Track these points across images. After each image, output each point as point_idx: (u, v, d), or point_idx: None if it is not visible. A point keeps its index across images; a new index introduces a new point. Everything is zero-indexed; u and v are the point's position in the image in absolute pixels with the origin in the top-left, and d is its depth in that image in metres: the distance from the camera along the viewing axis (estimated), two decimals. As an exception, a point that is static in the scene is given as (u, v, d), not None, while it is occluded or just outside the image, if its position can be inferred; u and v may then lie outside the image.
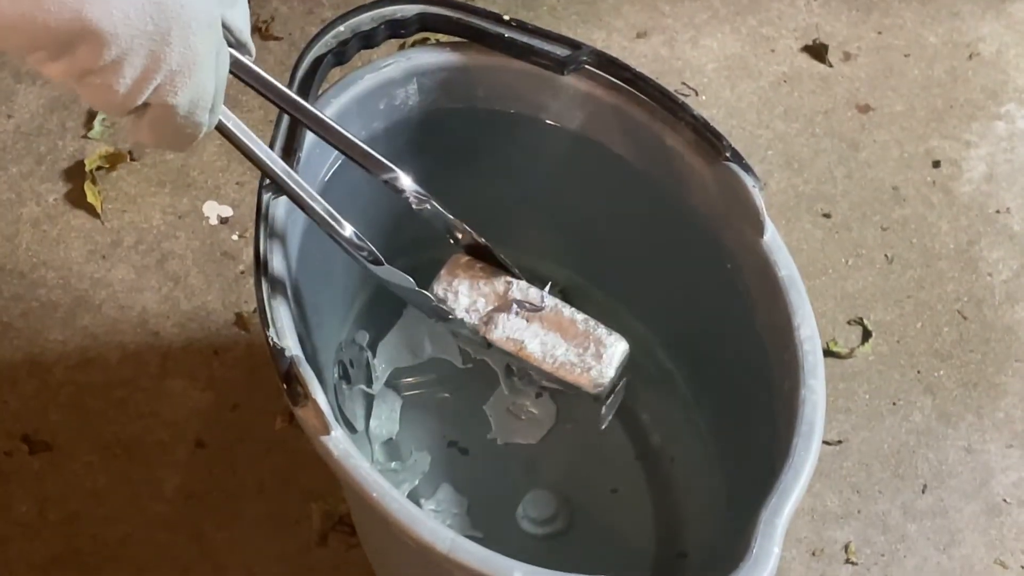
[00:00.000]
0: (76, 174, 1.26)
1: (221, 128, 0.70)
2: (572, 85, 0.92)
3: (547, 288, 0.88)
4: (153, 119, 0.62)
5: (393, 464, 1.03)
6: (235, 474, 1.11)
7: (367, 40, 0.90)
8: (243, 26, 0.68)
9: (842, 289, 1.26)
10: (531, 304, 0.87)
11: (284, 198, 0.81)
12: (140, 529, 1.08)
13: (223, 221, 1.25)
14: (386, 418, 1.05)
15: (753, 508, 0.77)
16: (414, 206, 0.84)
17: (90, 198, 1.24)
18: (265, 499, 1.10)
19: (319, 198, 0.78)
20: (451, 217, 0.86)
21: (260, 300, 0.78)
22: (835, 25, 1.46)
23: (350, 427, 1.02)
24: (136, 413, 1.14)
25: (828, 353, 1.20)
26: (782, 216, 1.29)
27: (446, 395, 1.07)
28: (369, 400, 1.04)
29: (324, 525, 1.08)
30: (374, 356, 1.05)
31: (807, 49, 1.43)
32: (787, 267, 0.85)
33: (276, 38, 1.38)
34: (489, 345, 0.88)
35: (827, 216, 1.30)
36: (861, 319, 1.23)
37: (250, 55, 0.72)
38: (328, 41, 0.88)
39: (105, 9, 0.54)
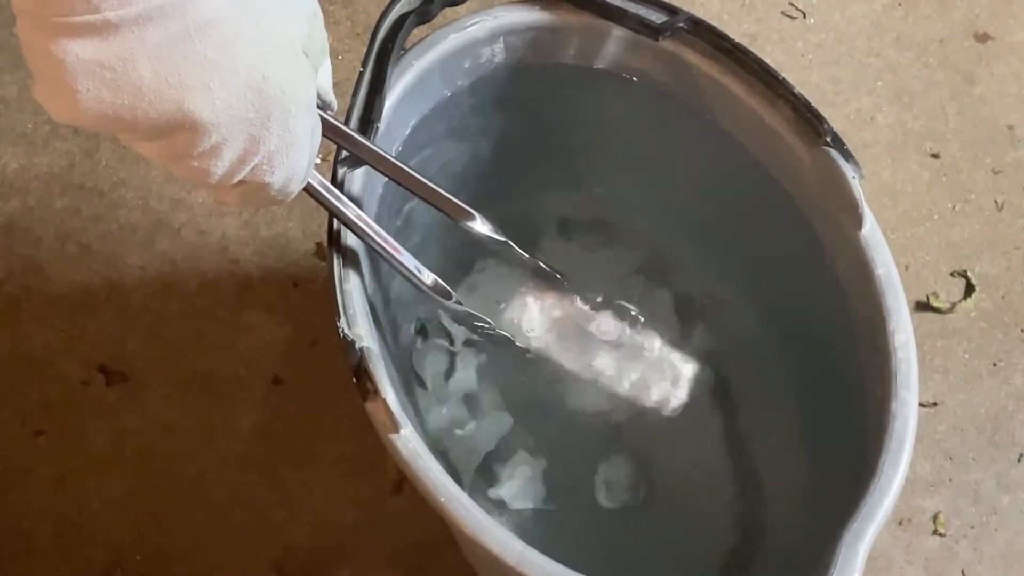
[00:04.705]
0: (158, 88, 1.23)
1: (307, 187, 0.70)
2: (667, 51, 0.86)
3: (626, 323, 0.86)
4: (246, 193, 0.61)
5: (468, 426, 1.00)
6: (312, 414, 1.09)
7: (452, -3, 0.85)
8: (328, 86, 0.68)
9: (947, 237, 1.19)
10: (609, 340, 0.85)
11: (361, 169, 0.78)
12: (214, 468, 1.07)
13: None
14: (464, 376, 1.02)
15: (835, 500, 0.74)
16: (489, 246, 0.81)
17: (172, 114, 1.21)
18: (341, 442, 1.08)
19: (403, 250, 0.76)
20: (527, 256, 0.84)
21: (332, 286, 0.75)
22: (957, -60, 1.37)
23: (422, 384, 0.99)
24: (214, 345, 1.12)
25: (928, 307, 1.15)
26: (888, 155, 1.23)
27: (526, 355, 1.04)
28: (449, 356, 1.02)
29: (399, 473, 1.06)
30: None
31: (925, -32, 1.35)
32: (885, 265, 0.79)
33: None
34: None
35: (935, 156, 1.23)
36: (965, 272, 1.17)
37: (332, 110, 0.71)
38: (411, -1, 0.84)
39: (207, 100, 0.52)
